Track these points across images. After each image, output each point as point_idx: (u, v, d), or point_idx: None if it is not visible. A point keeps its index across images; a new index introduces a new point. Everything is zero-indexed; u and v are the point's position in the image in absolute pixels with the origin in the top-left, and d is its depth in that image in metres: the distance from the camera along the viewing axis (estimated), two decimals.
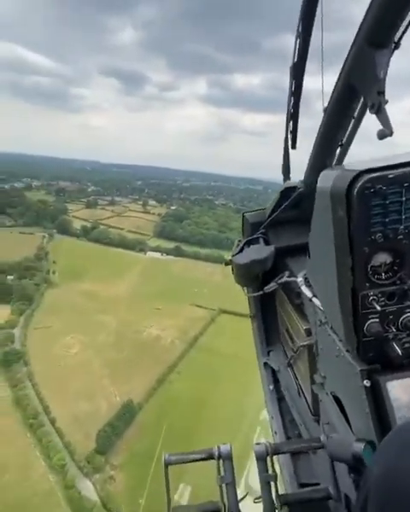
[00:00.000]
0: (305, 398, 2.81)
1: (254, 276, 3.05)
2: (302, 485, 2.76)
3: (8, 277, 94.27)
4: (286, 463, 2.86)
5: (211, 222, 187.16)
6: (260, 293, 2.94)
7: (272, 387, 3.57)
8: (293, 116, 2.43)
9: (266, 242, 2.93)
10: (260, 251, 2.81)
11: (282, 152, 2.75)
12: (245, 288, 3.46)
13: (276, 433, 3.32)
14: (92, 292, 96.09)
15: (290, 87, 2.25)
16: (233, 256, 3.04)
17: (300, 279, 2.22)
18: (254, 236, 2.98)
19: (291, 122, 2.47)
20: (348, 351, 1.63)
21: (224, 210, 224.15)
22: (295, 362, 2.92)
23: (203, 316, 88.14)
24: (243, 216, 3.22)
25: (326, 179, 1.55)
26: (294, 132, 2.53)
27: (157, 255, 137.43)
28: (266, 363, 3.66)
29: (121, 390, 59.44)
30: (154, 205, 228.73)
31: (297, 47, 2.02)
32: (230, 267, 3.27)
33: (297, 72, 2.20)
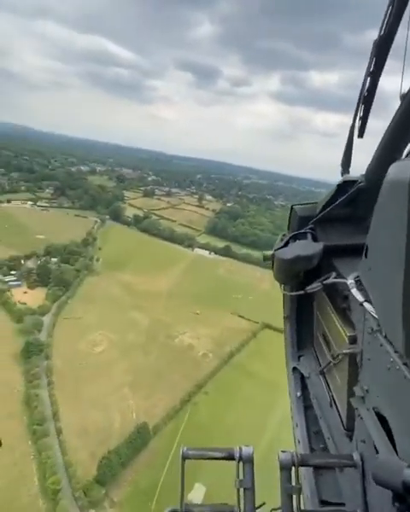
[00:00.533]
0: (338, 410, 2.57)
1: (295, 274, 2.80)
2: (323, 503, 2.56)
3: (52, 259, 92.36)
4: (308, 476, 2.65)
5: (267, 223, 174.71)
6: (301, 292, 2.72)
7: (299, 394, 3.37)
8: (367, 99, 2.16)
9: (314, 239, 2.71)
10: (308, 247, 2.60)
11: (345, 141, 2.50)
12: (283, 285, 3.20)
13: (299, 442, 3.16)
14: (131, 284, 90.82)
15: (370, 66, 2.02)
16: (276, 250, 2.80)
17: (350, 281, 2.05)
18: (302, 231, 2.75)
19: (363, 106, 2.20)
20: (406, 364, 1.46)
21: (282, 211, 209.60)
22: (330, 370, 2.71)
23: (244, 328, 78.33)
24: (292, 208, 2.95)
25: (401, 170, 1.41)
26: (364, 118, 2.26)
27: (205, 253, 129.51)
28: (295, 368, 3.46)
29: (140, 405, 52.27)
30: (210, 200, 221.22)
31: (386, 20, 1.89)
32: (270, 263, 3.06)
33: (381, 48, 1.97)
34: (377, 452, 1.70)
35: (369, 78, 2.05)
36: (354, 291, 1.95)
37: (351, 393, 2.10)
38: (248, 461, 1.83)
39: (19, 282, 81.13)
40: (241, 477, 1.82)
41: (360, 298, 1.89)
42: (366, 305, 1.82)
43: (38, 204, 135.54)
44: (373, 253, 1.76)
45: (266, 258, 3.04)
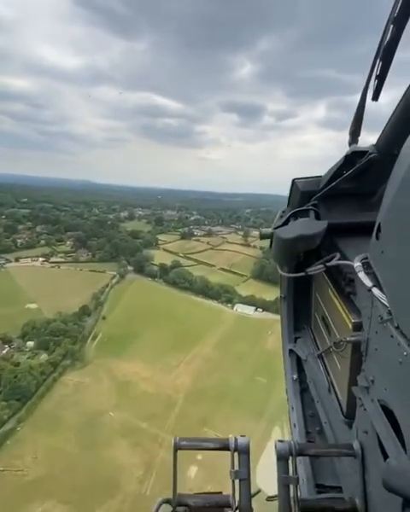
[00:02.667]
0: (337, 396, 2.40)
1: (296, 255, 2.57)
2: (319, 487, 2.47)
3: (29, 344, 64.19)
4: (304, 460, 2.55)
5: None
6: (302, 274, 2.45)
7: (295, 377, 3.24)
8: (386, 53, 1.75)
9: (317, 216, 2.42)
10: (310, 226, 2.31)
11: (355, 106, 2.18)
12: (280, 265, 2.88)
13: (295, 425, 3.04)
14: (129, 384, 57.98)
15: (394, 10, 1.63)
16: (276, 228, 2.52)
17: (357, 264, 1.80)
18: (304, 208, 2.46)
19: (380, 62, 1.80)
20: None
21: None
22: (329, 355, 2.53)
23: None
24: (293, 182, 2.62)
25: None
26: (381, 77, 1.87)
27: (249, 310, 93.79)
28: (291, 351, 3.29)
29: None
30: (257, 236, 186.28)
31: None
32: (267, 241, 2.76)
33: None
34: (380, 445, 1.57)
35: (392, 26, 1.64)
36: (362, 275, 1.70)
37: (353, 382, 1.93)
38: (244, 451, 1.74)
39: None
40: (236, 468, 1.72)
41: (368, 283, 1.64)
42: (375, 290, 1.59)
43: (50, 260, 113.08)
44: (386, 234, 1.53)
45: (263, 237, 2.75)
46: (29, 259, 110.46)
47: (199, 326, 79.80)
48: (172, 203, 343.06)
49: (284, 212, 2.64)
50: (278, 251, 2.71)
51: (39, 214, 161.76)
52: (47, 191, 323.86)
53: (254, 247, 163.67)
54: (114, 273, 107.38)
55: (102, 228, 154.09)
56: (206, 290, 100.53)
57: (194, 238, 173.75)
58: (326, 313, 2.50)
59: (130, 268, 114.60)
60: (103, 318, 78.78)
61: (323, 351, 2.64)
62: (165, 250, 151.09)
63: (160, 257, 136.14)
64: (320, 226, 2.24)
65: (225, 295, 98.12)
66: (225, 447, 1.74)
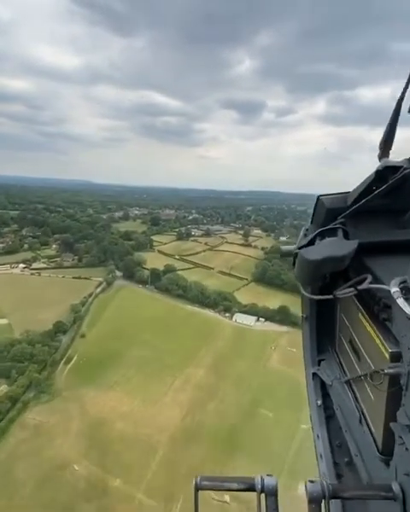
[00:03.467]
0: (370, 428, 2.13)
1: (322, 276, 2.40)
2: None
3: None
4: (335, 503, 2.30)
5: None
6: (329, 297, 2.21)
7: (320, 402, 2.92)
8: None
9: (346, 235, 2.24)
10: (339, 246, 2.12)
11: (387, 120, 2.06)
12: (303, 285, 2.70)
13: (321, 456, 2.74)
14: (104, 420, 47.11)
15: None
16: (301, 248, 2.34)
17: (395, 289, 1.63)
18: (332, 226, 2.28)
19: None
20: None
21: None
22: (360, 382, 2.29)
23: None
24: (318, 199, 2.45)
25: None
26: None
27: (250, 321, 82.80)
28: (315, 374, 3.02)
29: None
30: (258, 235, 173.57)
31: None
32: (286, 258, 2.65)
33: None
34: None
35: None
36: (401, 301, 1.55)
37: (391, 417, 1.74)
38: (271, 493, 1.55)
39: None
40: (263, 511, 1.56)
41: (408, 310, 1.51)
42: None
43: (31, 267, 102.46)
44: None
45: (284, 255, 2.57)
46: (8, 266, 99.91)
47: (193, 341, 68.94)
48: (172, 202, 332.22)
49: (307, 229, 2.45)
50: (302, 272, 2.44)
51: (27, 216, 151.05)
52: (44, 192, 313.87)
53: (255, 247, 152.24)
54: (101, 279, 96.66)
55: (93, 229, 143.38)
56: (202, 298, 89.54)
57: (191, 238, 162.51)
58: (355, 338, 2.27)
59: (119, 273, 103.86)
60: (82, 336, 67.99)
61: (352, 377, 2.35)
62: (160, 252, 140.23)
63: (153, 260, 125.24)
64: (350, 246, 2.04)
65: (224, 304, 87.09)
66: (250, 488, 1.54)
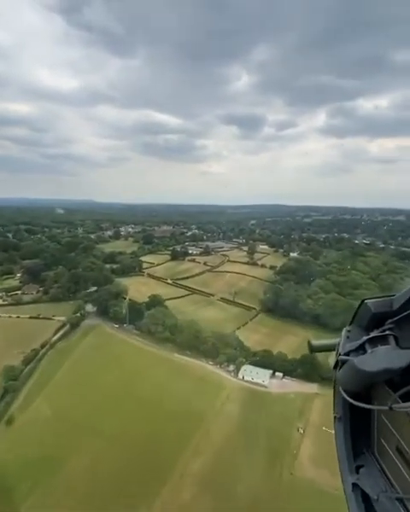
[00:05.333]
0: None
1: (370, 385, 2.10)
2: None
3: None
4: None
5: (365, 280, 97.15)
6: (384, 408, 1.83)
7: None
8: None
9: (396, 342, 2.00)
10: (395, 357, 1.88)
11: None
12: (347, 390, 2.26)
13: None
14: None
15: None
16: (352, 354, 2.08)
17: None
18: (382, 334, 2.05)
19: None
20: None
21: (377, 256, 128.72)
22: None
23: None
24: (362, 302, 2.25)
25: None
26: None
27: (263, 377, 57.36)
28: (355, 485, 2.38)
29: None
30: (264, 251, 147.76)
31: None
32: (312, 352, 2.29)
33: None
34: None
35: None
36: None
37: None
38: None
39: None
40: None
41: None
42: None
43: None
44: None
45: (316, 350, 2.22)
46: None
47: (176, 427, 43.57)
48: (172, 218, 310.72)
49: (349, 331, 2.22)
50: (352, 380, 2.12)
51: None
52: (38, 212, 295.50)
53: (263, 266, 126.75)
54: (64, 319, 72.42)
55: (74, 252, 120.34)
56: (196, 342, 64.56)
57: (188, 258, 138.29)
58: (405, 447, 2.01)
59: (91, 308, 79.70)
60: (8, 423, 43.12)
61: (407, 497, 2.05)
62: (149, 276, 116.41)
63: (140, 286, 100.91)
64: (406, 358, 1.92)
65: (225, 352, 61.83)
66: None
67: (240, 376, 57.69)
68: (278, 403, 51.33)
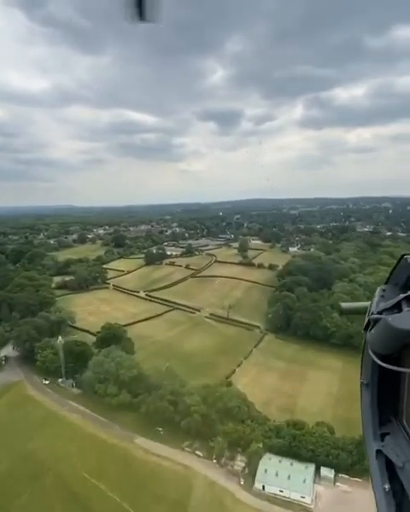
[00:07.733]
0: None
1: (404, 346, 2.07)
2: None
3: None
4: None
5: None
6: None
7: (387, 487, 1.91)
8: None
9: None
10: None
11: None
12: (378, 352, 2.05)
13: None
14: None
15: None
16: (386, 313, 1.78)
17: None
18: None
19: None
20: None
21: (397, 245, 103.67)
22: None
23: None
24: (402, 258, 1.96)
25: None
26: None
27: (301, 489, 30.17)
28: (379, 452, 2.17)
29: None
30: (258, 246, 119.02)
31: None
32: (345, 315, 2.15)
33: None
34: None
35: None
36: None
37: None
38: None
39: None
40: None
41: None
42: None
43: None
44: None
45: (347, 312, 2.08)
46: None
47: None
48: (152, 218, 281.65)
49: (384, 290, 2.01)
50: (386, 340, 2.03)
51: None
52: (3, 219, 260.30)
53: (261, 266, 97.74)
54: None
55: (15, 262, 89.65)
56: (172, 414, 36.15)
57: (167, 261, 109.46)
58: None
59: (12, 352, 50.33)
60: None
61: None
62: (116, 288, 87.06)
63: (100, 306, 71.71)
64: None
65: (225, 431, 33.58)
66: None
67: (258, 486, 29.82)
68: None
